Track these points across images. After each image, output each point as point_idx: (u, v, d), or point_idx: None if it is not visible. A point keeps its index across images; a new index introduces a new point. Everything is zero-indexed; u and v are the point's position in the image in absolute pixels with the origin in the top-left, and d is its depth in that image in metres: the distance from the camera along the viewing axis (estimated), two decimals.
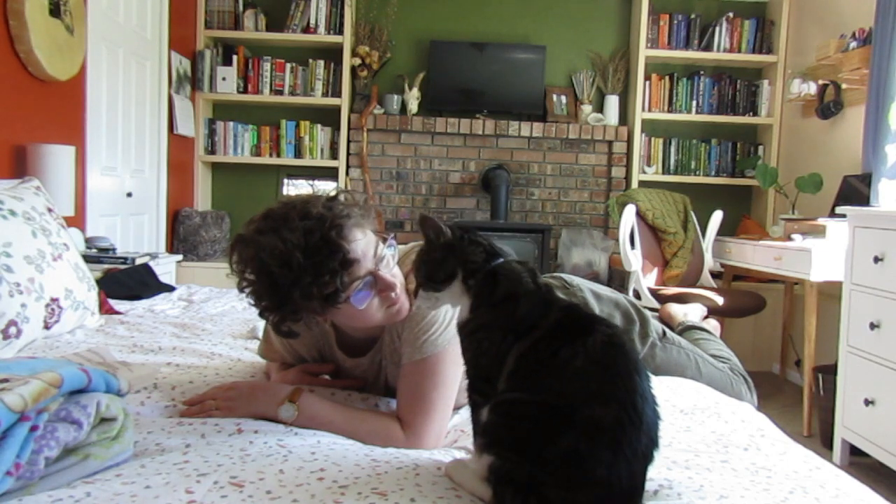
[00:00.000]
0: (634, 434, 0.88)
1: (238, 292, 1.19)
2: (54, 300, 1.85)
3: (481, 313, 0.99)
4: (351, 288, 1.14)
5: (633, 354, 0.94)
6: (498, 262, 1.01)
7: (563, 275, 2.08)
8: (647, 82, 4.47)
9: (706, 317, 2.80)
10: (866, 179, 3.24)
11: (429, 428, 1.21)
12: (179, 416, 1.24)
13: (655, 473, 0.99)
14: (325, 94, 4.41)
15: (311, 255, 1.11)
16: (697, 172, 4.56)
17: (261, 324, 1.99)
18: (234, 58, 4.36)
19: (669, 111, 4.50)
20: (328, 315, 1.21)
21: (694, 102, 4.51)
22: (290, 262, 1.10)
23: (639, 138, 4.45)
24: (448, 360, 1.23)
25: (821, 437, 2.99)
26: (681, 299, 3.35)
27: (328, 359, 1.40)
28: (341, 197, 1.21)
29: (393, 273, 1.22)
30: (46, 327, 1.83)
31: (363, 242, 1.17)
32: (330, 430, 1.20)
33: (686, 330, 2.35)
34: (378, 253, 1.19)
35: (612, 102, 4.52)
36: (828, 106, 3.73)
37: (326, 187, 4.41)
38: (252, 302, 1.18)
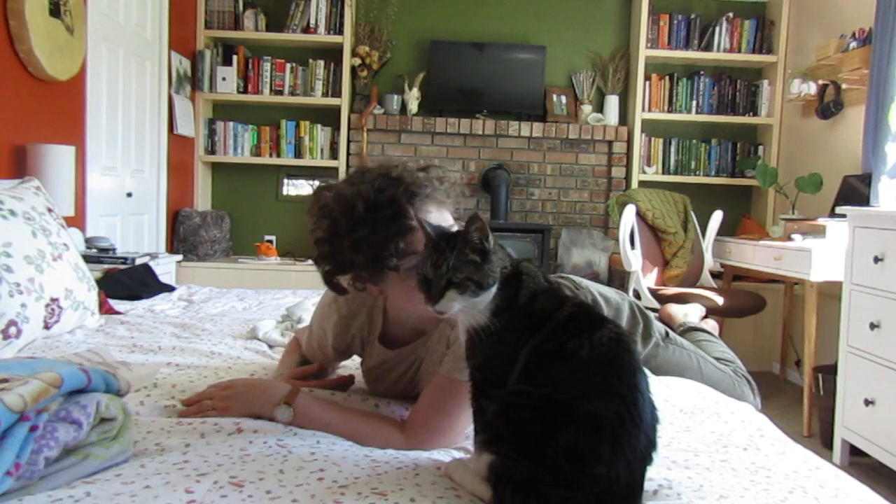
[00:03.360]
0: (634, 432, 0.88)
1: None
2: (54, 300, 1.85)
3: (505, 317, 0.94)
4: (405, 259, 1.10)
5: (636, 353, 0.94)
6: (519, 261, 0.99)
7: (572, 276, 2.08)
8: (647, 82, 4.47)
9: (704, 316, 2.81)
10: (866, 179, 3.24)
11: (432, 442, 1.17)
12: (178, 416, 1.24)
13: (655, 473, 0.99)
14: (325, 94, 4.41)
15: (374, 210, 1.08)
16: (697, 172, 4.56)
17: (261, 324, 1.99)
18: (234, 58, 4.36)
19: (669, 111, 4.50)
20: (379, 282, 1.16)
21: (694, 102, 4.51)
22: (351, 210, 1.09)
23: (639, 138, 4.45)
24: None
25: (821, 437, 2.99)
26: (681, 299, 3.35)
27: (359, 347, 1.37)
28: (432, 169, 1.18)
29: None
30: (46, 327, 1.83)
31: (434, 218, 1.12)
32: (328, 431, 1.18)
33: (687, 331, 2.36)
34: None
35: (612, 102, 4.52)
36: (828, 106, 3.73)
37: None
38: (313, 251, 1.17)
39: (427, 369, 1.29)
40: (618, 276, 4.23)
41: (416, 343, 1.30)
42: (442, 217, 1.15)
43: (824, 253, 3.05)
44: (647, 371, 0.98)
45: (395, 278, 1.13)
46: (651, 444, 0.91)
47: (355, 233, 1.09)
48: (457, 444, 1.20)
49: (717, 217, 3.89)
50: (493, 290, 0.94)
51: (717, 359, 2.10)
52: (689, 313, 2.70)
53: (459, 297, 0.93)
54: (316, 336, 1.42)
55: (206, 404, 1.23)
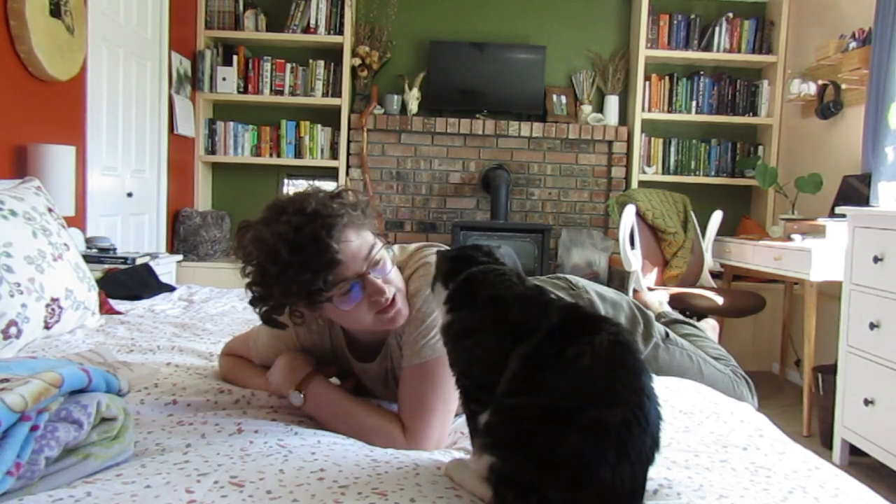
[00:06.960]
0: (641, 436, 0.87)
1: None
2: (55, 300, 1.85)
3: (462, 316, 1.00)
4: (336, 289, 1.13)
5: (638, 353, 0.93)
6: (472, 270, 1.02)
7: (567, 276, 2.08)
8: (647, 82, 4.47)
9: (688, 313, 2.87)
10: (866, 179, 3.25)
11: (429, 432, 1.19)
12: None
13: (655, 473, 0.99)
14: (325, 95, 4.41)
15: (297, 251, 1.10)
16: (697, 172, 4.56)
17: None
18: (235, 58, 4.36)
19: (669, 111, 4.50)
20: (318, 312, 1.20)
21: (694, 102, 4.51)
22: (276, 255, 1.10)
23: (639, 138, 4.45)
24: (448, 364, 1.21)
25: (820, 437, 3.00)
26: (681, 300, 3.36)
27: (341, 361, 1.38)
28: (344, 195, 1.19)
29: (388, 278, 1.19)
30: (47, 327, 1.83)
31: (355, 244, 1.15)
32: (335, 420, 1.20)
33: (671, 323, 2.35)
34: (371, 256, 1.17)
35: (612, 102, 4.52)
36: (827, 106, 3.73)
37: (328, 187, 4.44)
38: (247, 293, 1.19)
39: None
40: (618, 276, 4.23)
41: (381, 356, 1.32)
42: (362, 240, 1.17)
43: (824, 253, 3.05)
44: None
45: (331, 306, 1.16)
46: (655, 445, 0.91)
47: (285, 275, 1.10)
48: (450, 423, 1.23)
49: (716, 217, 3.89)
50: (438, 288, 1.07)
51: (716, 358, 2.10)
52: (663, 301, 2.78)
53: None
54: (273, 348, 1.39)
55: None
